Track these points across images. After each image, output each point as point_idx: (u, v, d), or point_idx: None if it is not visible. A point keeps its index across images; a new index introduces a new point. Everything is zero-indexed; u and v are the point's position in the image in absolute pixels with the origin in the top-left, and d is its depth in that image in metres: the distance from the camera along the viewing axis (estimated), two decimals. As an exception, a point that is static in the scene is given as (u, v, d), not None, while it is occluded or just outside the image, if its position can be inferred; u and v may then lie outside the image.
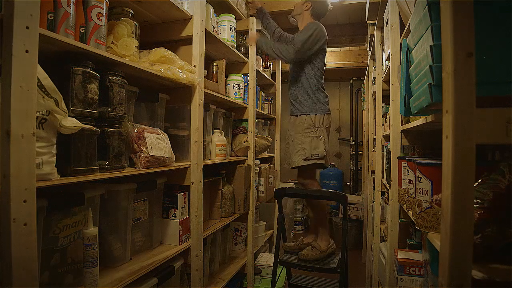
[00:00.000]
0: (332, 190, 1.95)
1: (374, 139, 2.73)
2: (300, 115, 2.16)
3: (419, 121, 1.06)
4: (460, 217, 0.59)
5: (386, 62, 1.91)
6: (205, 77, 1.67)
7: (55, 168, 0.85)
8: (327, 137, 2.15)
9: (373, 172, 2.57)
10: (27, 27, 0.71)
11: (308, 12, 2.23)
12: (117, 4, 1.24)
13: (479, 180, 0.69)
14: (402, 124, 1.52)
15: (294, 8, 2.32)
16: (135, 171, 1.19)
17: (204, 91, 1.62)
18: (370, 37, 2.75)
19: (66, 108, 0.86)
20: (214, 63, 2.00)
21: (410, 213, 1.13)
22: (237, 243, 2.33)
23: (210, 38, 1.72)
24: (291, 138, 2.20)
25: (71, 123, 0.87)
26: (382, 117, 2.22)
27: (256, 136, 2.38)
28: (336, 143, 5.29)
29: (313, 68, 2.16)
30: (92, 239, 0.98)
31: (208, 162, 1.73)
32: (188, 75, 1.42)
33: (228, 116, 2.17)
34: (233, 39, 2.08)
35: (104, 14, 1.08)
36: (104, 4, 1.08)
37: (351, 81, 5.24)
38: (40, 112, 0.80)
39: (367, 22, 2.57)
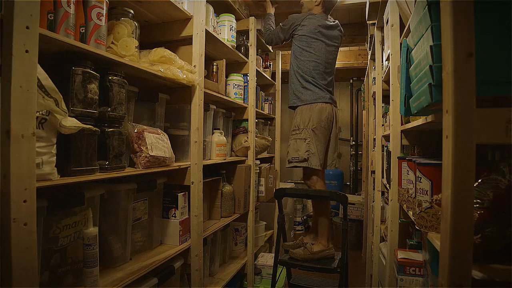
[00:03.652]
0: (332, 190, 1.94)
1: (374, 139, 2.73)
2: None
3: (419, 121, 1.06)
4: (460, 217, 0.59)
5: (386, 62, 1.91)
6: (205, 77, 1.67)
7: (55, 168, 0.85)
8: (316, 139, 2.01)
9: (373, 172, 2.57)
10: (27, 27, 0.71)
11: (319, 7, 2.23)
12: (117, 4, 1.24)
13: (479, 180, 0.69)
14: (402, 124, 1.52)
15: (301, 5, 2.32)
16: (135, 171, 1.19)
17: (204, 91, 1.62)
18: (370, 37, 2.75)
19: (66, 108, 0.86)
20: (214, 63, 2.00)
21: (410, 213, 1.13)
22: (237, 243, 2.33)
23: (210, 38, 1.73)
24: None
25: (71, 123, 0.87)
26: (382, 117, 2.22)
27: (256, 136, 2.38)
28: (336, 143, 5.29)
29: (299, 62, 2.15)
30: (92, 239, 0.98)
31: (208, 162, 1.73)
32: (188, 75, 1.42)
33: (228, 116, 2.17)
34: (233, 39, 2.07)
35: (104, 14, 1.08)
36: (104, 4, 1.08)
37: (351, 81, 5.24)
38: (40, 112, 0.80)
39: (367, 22, 2.57)
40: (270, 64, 3.02)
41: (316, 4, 2.24)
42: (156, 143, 1.28)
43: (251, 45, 2.37)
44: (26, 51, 0.71)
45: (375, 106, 2.52)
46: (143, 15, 1.50)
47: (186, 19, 1.56)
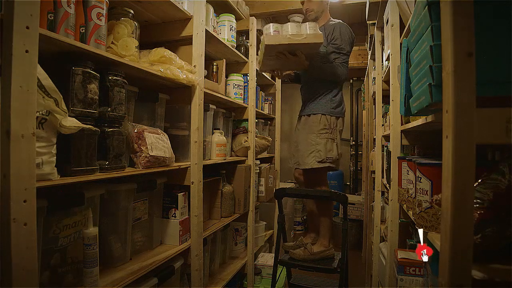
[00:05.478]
0: (332, 190, 1.94)
1: (374, 139, 2.73)
2: (314, 114, 2.04)
3: (419, 121, 1.06)
4: (460, 217, 0.59)
5: (386, 62, 1.91)
6: (205, 77, 1.67)
7: (55, 168, 0.85)
8: (339, 141, 2.07)
9: (373, 172, 2.57)
10: (27, 27, 0.71)
11: (327, 8, 2.09)
12: (117, 4, 1.24)
13: (479, 180, 0.69)
14: (402, 124, 1.52)
15: (310, 11, 2.06)
16: (135, 171, 1.19)
17: (204, 91, 1.62)
18: (370, 37, 2.75)
19: (66, 108, 0.86)
20: (214, 63, 2.00)
21: (410, 213, 1.13)
22: (237, 243, 2.33)
23: (210, 38, 1.72)
24: (301, 137, 2.07)
25: (71, 123, 0.87)
26: (382, 117, 2.22)
27: (256, 136, 2.38)
28: (336, 143, 5.29)
29: (341, 71, 2.01)
30: (92, 239, 0.98)
31: (208, 162, 1.73)
32: (188, 75, 1.42)
33: (228, 116, 2.17)
34: (233, 39, 2.08)
35: (104, 14, 1.08)
36: (104, 4, 1.08)
37: (351, 81, 5.25)
38: (40, 112, 0.80)
39: (367, 22, 2.57)
40: (270, 64, 3.01)
41: (327, 4, 2.06)
42: (156, 143, 1.28)
43: (251, 45, 2.37)
44: (26, 51, 0.71)
45: (375, 106, 2.52)
46: (143, 15, 1.50)
47: (186, 19, 1.56)
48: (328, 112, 2.03)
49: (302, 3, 2.10)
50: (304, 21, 2.09)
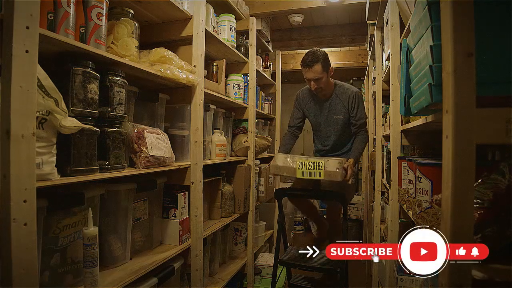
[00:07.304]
0: (332, 190, 1.94)
1: (374, 139, 2.73)
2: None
3: (419, 121, 1.06)
4: (460, 217, 0.59)
5: (386, 62, 1.91)
6: (205, 77, 1.67)
7: (55, 168, 0.85)
8: None
9: (373, 172, 2.57)
10: (27, 27, 0.71)
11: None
12: (117, 4, 1.24)
13: (479, 180, 0.69)
14: (402, 124, 1.52)
15: (319, 89, 1.94)
16: (135, 171, 1.19)
17: (204, 91, 1.62)
18: (370, 37, 2.75)
19: (66, 108, 0.86)
20: (214, 63, 2.00)
21: (410, 213, 1.13)
22: (237, 243, 2.33)
23: (210, 38, 1.72)
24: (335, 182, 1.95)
25: (71, 123, 0.87)
26: (382, 117, 2.22)
27: (256, 136, 2.38)
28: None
29: None
30: (92, 239, 0.98)
31: (208, 162, 1.73)
32: (188, 75, 1.42)
33: (228, 116, 2.17)
34: (233, 39, 2.08)
35: (104, 14, 1.08)
36: (104, 4, 1.08)
37: (351, 81, 5.23)
38: (40, 112, 0.80)
39: (367, 22, 2.57)
40: (270, 64, 3.02)
41: (331, 75, 1.99)
42: (156, 143, 1.28)
43: (251, 45, 2.37)
44: (26, 51, 0.71)
45: (375, 106, 2.52)
46: (143, 15, 1.50)
47: (186, 19, 1.56)
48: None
49: (308, 81, 1.95)
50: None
